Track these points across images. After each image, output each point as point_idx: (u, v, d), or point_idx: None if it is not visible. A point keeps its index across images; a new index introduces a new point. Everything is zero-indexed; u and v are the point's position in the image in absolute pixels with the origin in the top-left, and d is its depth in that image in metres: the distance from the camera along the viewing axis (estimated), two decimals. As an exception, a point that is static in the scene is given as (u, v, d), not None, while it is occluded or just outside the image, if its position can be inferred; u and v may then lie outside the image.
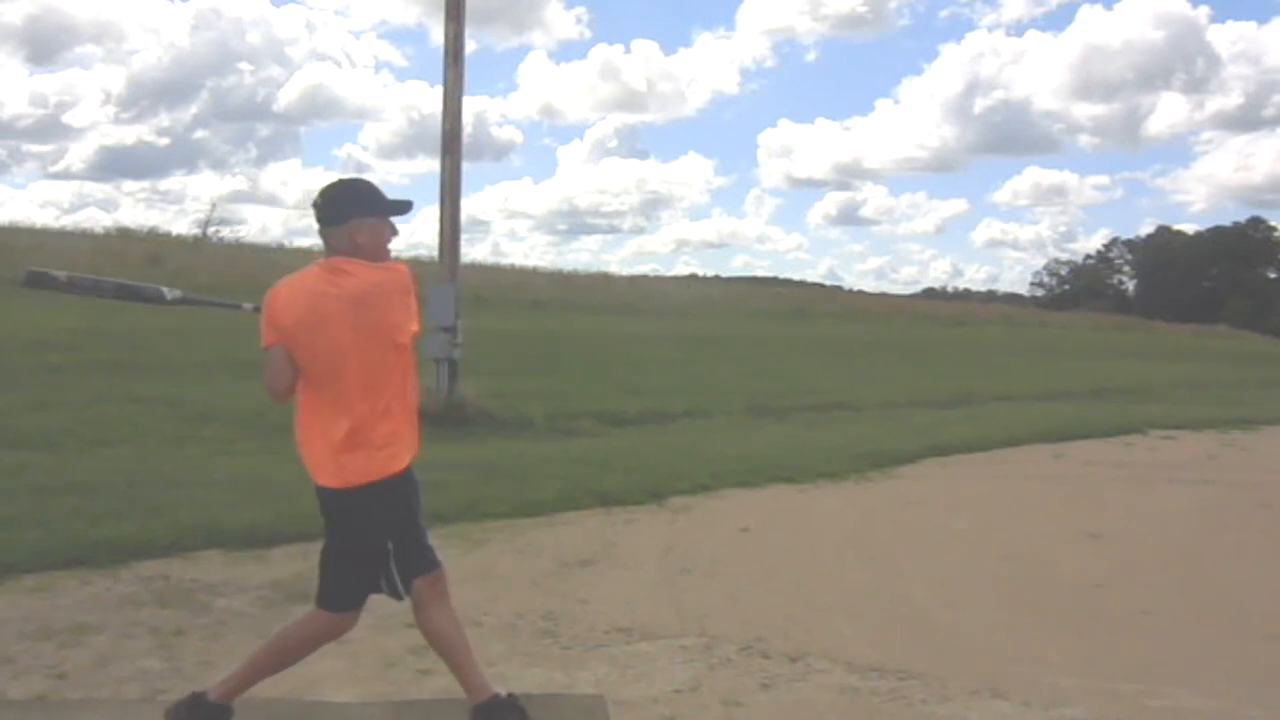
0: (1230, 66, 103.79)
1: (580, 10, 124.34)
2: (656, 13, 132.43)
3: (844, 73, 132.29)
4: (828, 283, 68.98)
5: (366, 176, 3.50)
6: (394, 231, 3.12)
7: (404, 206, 3.14)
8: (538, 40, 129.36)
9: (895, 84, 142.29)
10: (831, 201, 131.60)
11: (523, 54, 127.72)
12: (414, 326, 3.05)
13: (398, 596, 3.11)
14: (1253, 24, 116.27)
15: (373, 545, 3.04)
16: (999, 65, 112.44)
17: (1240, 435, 12.63)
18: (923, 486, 8.32)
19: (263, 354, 3.04)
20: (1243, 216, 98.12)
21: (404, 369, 3.07)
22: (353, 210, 3.04)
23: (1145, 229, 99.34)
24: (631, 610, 4.62)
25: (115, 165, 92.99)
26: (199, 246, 24.01)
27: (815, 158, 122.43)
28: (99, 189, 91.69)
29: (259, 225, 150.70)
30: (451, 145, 11.19)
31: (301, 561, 4.79)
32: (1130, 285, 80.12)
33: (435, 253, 11.63)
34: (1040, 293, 79.76)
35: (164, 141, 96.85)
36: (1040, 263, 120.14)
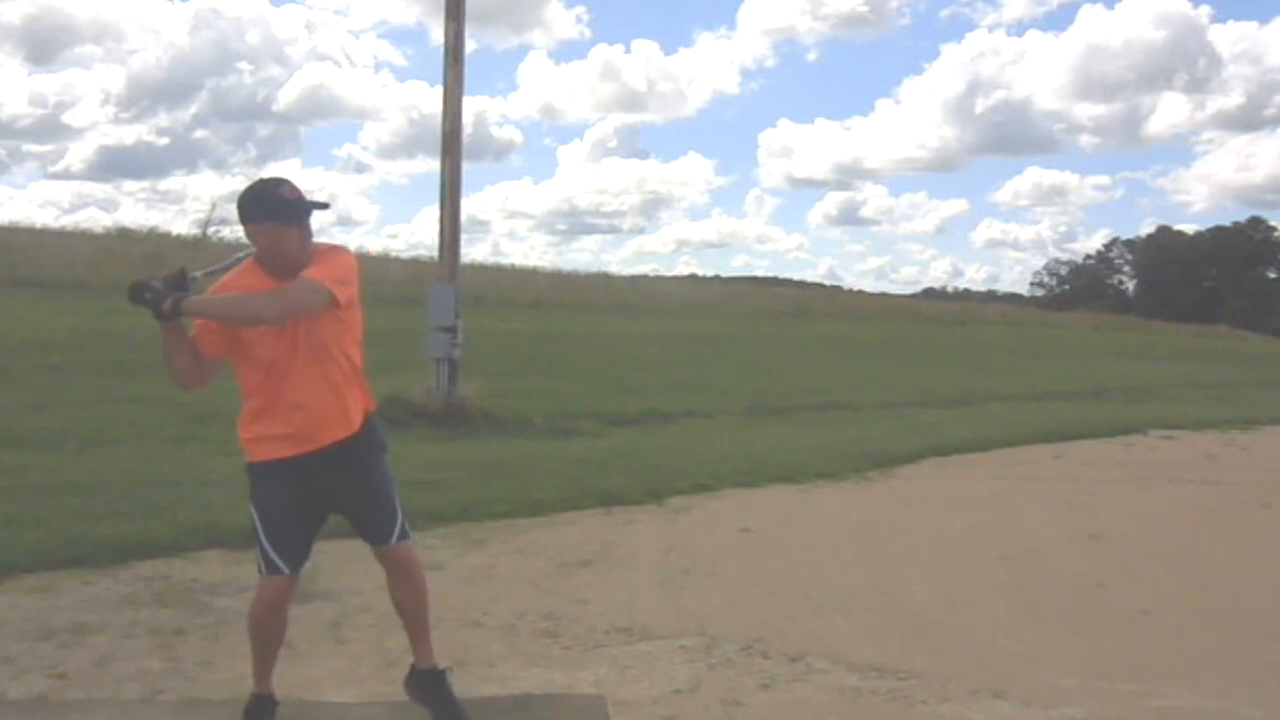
0: (1231, 66, 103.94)
1: (580, 10, 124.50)
2: (656, 13, 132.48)
3: (844, 73, 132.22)
4: (828, 283, 69.09)
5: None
6: (298, 236, 3.06)
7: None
8: (538, 40, 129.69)
9: (896, 84, 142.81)
10: (831, 201, 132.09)
11: (523, 54, 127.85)
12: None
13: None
14: (1254, 24, 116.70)
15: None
16: (1000, 65, 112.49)
17: (1240, 435, 12.64)
18: (923, 486, 8.32)
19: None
20: (1243, 216, 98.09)
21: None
22: (243, 217, 3.09)
23: (1145, 229, 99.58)
24: (631, 610, 4.62)
25: (115, 165, 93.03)
26: (199, 246, 23.98)
27: (815, 158, 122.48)
28: (99, 189, 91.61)
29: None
30: (451, 145, 11.19)
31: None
32: (1130, 285, 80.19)
33: (435, 253, 11.64)
34: (1040, 293, 79.86)
35: (164, 141, 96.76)
36: (1040, 263, 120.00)
